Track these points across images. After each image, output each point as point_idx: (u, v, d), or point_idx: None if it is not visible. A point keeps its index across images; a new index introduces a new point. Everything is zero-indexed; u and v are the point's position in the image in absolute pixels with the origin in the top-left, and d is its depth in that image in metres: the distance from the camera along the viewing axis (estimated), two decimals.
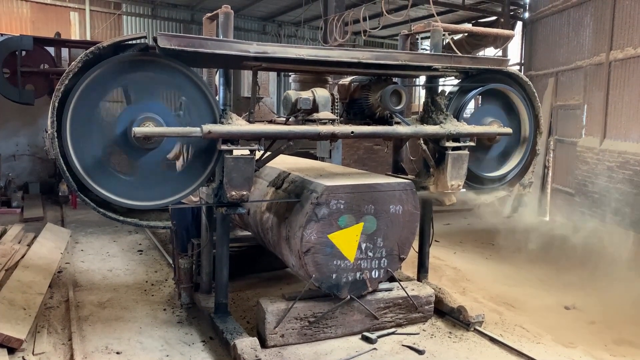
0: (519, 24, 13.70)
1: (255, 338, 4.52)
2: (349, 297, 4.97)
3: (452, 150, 5.12)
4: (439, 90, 5.54)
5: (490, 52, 13.71)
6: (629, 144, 9.01)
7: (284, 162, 5.86)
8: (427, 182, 5.51)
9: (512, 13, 13.43)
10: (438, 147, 5.28)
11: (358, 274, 4.96)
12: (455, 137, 5.13)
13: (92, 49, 3.97)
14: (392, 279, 5.30)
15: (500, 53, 12.50)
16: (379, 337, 5.02)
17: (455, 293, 6.08)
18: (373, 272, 5.03)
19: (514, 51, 13.81)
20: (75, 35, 13.21)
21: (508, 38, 11.80)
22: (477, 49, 13.26)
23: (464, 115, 5.52)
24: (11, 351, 4.45)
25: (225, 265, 4.99)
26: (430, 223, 6.04)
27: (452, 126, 5.14)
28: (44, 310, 5.47)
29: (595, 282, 7.13)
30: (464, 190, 5.58)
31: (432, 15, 13.26)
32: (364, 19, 10.07)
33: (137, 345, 4.82)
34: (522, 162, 5.79)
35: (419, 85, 8.57)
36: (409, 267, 6.56)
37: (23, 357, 4.45)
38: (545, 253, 8.41)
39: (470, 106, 6.02)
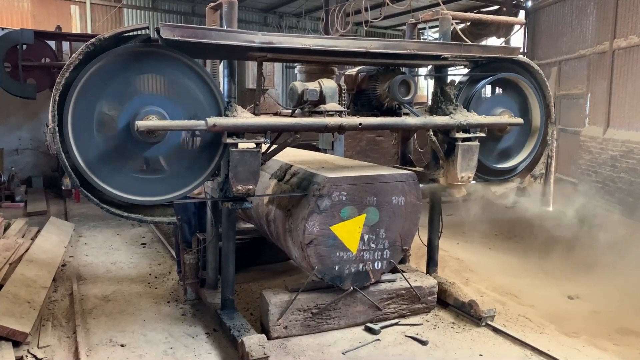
0: (522, 13, 13.61)
1: (263, 335, 4.51)
2: (351, 288, 4.97)
3: (462, 141, 5.05)
4: (449, 80, 5.44)
5: (492, 42, 13.62)
6: (632, 133, 8.97)
7: (286, 154, 5.83)
8: (436, 174, 5.44)
9: (514, 2, 13.35)
10: (447, 139, 5.20)
11: (361, 266, 4.96)
12: (465, 128, 5.05)
13: (92, 40, 3.89)
14: (394, 270, 5.29)
15: (502, 43, 12.42)
16: (382, 328, 5.03)
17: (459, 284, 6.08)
18: (376, 264, 5.03)
19: (517, 40, 13.74)
20: (76, 29, 13.18)
21: (512, 27, 11.76)
22: (480, 39, 13.17)
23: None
24: (16, 344, 4.47)
25: (231, 261, 4.96)
26: (439, 216, 5.95)
27: (462, 117, 5.06)
28: (48, 304, 5.49)
29: (599, 272, 7.12)
30: (474, 182, 5.47)
31: (433, 5, 13.19)
32: (366, 10, 10.02)
33: (141, 337, 4.85)
34: (533, 152, 5.69)
35: (428, 75, 8.47)
36: (413, 259, 6.56)
37: (28, 351, 4.47)
38: (548, 243, 8.40)
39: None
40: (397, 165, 6.08)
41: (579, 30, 11.02)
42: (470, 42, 5.91)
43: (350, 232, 4.82)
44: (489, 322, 5.17)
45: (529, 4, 13.35)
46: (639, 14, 9.00)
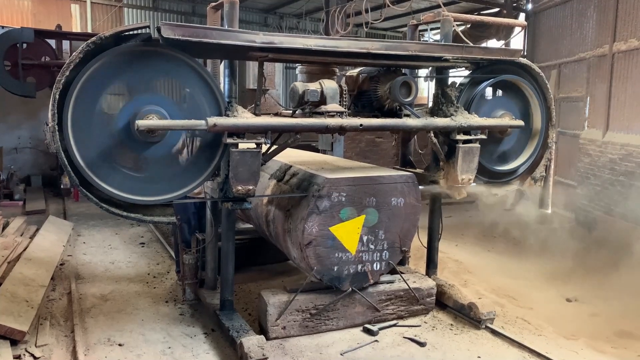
0: (522, 16, 13.61)
1: (262, 336, 4.50)
2: (350, 289, 4.97)
3: (462, 143, 5.05)
4: (450, 82, 5.45)
5: (492, 44, 13.62)
6: (632, 136, 8.97)
7: (286, 155, 5.84)
8: (436, 176, 5.44)
9: (514, 4, 13.34)
10: (448, 140, 5.20)
11: (359, 267, 4.96)
12: (466, 130, 5.05)
13: (93, 39, 3.89)
14: (393, 272, 5.29)
15: (502, 45, 12.43)
16: (381, 329, 5.03)
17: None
18: (374, 265, 5.03)
19: (517, 43, 13.73)
20: (76, 28, 13.20)
21: (512, 30, 11.76)
22: (480, 41, 13.16)
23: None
24: (14, 343, 4.46)
25: (230, 262, 4.96)
26: (439, 218, 5.94)
27: (463, 119, 5.06)
28: (47, 303, 5.48)
29: (597, 275, 7.13)
30: (474, 184, 5.45)
31: (434, 7, 13.20)
32: (366, 11, 10.02)
33: (139, 337, 4.84)
34: (533, 155, 5.69)
35: (429, 77, 8.44)
36: (413, 261, 6.56)
37: (26, 349, 4.46)
38: (547, 245, 8.41)
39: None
40: (397, 167, 6.07)
41: (579, 33, 11.03)
42: (471, 44, 5.91)
43: (349, 233, 4.82)
44: (488, 325, 5.17)
45: (529, 6, 13.35)
46: (639, 18, 9.00)
